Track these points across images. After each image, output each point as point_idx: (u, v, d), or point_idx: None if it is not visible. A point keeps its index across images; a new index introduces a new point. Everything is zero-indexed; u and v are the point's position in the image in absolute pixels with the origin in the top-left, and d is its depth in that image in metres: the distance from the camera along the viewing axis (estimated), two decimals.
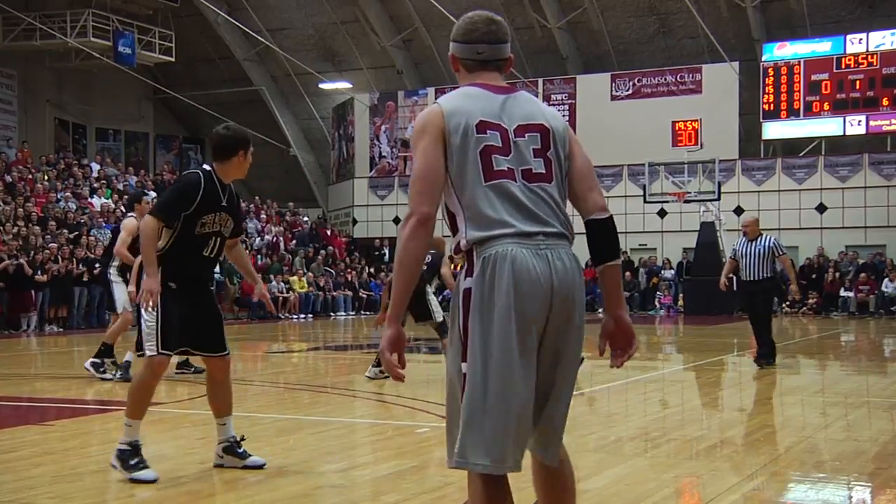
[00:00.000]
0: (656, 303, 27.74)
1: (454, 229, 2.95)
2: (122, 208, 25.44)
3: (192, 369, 10.00)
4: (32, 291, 18.98)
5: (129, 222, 9.48)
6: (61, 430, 6.84)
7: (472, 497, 2.85)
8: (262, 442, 6.26)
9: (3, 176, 24.78)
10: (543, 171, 2.95)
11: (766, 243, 11.01)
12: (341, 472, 5.40)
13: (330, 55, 33.45)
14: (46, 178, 25.90)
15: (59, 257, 19.75)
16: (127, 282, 9.45)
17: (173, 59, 29.92)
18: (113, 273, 9.78)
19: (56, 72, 31.04)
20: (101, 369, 9.53)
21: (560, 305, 2.86)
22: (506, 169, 2.91)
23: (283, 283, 25.08)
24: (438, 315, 9.80)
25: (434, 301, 9.95)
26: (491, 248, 2.85)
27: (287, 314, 24.44)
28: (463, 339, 2.85)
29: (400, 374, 2.95)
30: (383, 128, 33.05)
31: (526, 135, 2.97)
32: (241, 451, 5.31)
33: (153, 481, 4.90)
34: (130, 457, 4.98)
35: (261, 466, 5.26)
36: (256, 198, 31.97)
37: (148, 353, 5.11)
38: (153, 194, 13.99)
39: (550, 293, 2.84)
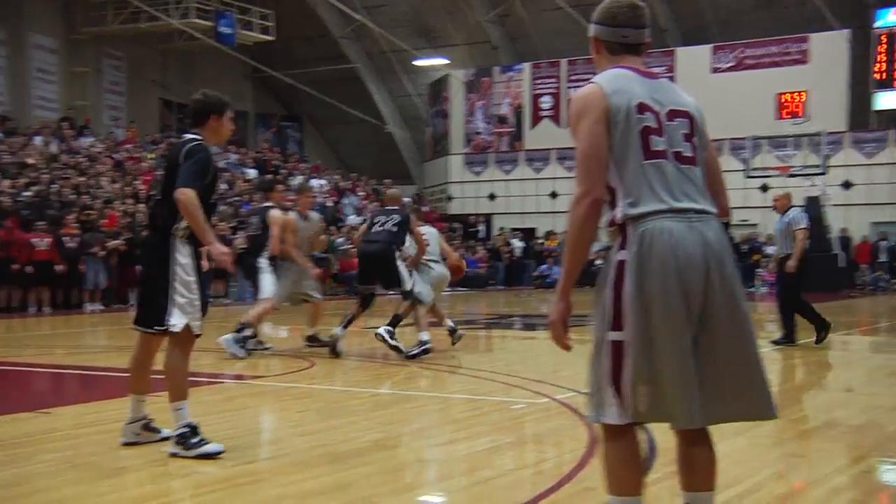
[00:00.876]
0: (757, 280, 27.11)
1: (612, 204, 3.06)
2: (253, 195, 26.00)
3: (323, 343, 10.15)
4: (138, 267, 19.55)
5: (275, 215, 9.94)
6: (162, 400, 7.03)
7: (607, 455, 3.13)
8: (359, 416, 6.34)
9: (113, 155, 25.58)
10: (691, 155, 3.11)
11: (788, 218, 10.69)
12: (438, 447, 5.43)
13: (425, 31, 33.47)
14: (152, 156, 26.63)
15: None
16: (276, 270, 9.96)
17: (272, 39, 30.37)
18: (263, 262, 10.02)
19: (161, 53, 31.84)
20: (245, 347, 9.67)
21: (713, 276, 2.99)
22: (662, 149, 3.05)
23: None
24: (408, 283, 9.78)
25: (403, 268, 9.90)
26: (648, 223, 2.99)
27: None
28: (615, 308, 3.00)
29: (568, 345, 3.15)
30: (479, 104, 32.96)
31: (676, 119, 3.11)
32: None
33: (220, 453, 4.94)
34: (191, 436, 5.00)
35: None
36: (352, 175, 32.31)
37: (182, 327, 5.04)
38: (300, 180, 14.11)
39: (705, 265, 2.98)
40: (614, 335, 3.01)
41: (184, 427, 5.00)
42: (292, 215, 10.22)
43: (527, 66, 32.13)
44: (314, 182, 29.75)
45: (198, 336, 5.15)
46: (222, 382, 8.04)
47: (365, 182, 32.15)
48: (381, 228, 9.84)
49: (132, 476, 4.65)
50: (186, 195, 4.89)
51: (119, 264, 19.07)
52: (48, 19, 28.55)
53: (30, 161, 21.99)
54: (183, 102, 33.73)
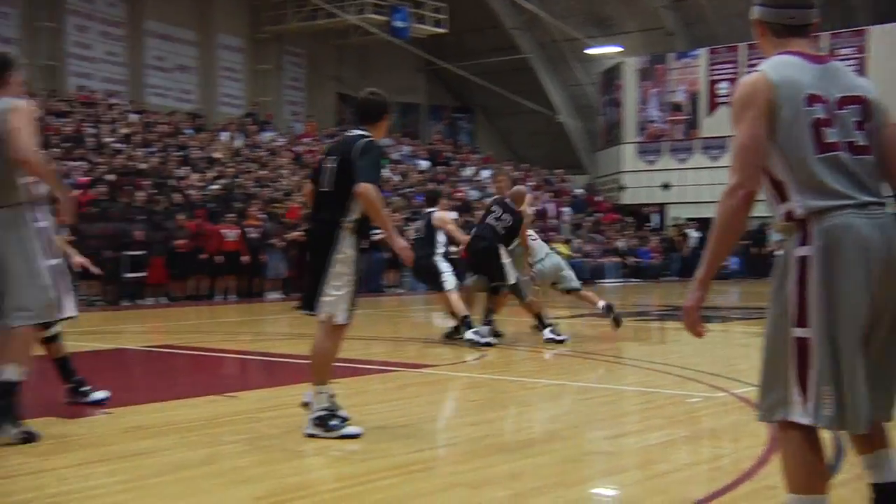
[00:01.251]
0: None
1: (781, 198, 2.99)
2: (422, 198, 26.50)
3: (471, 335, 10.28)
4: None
5: (439, 215, 10.45)
6: (345, 387, 7.24)
7: (788, 453, 3.03)
8: (530, 406, 6.34)
9: (292, 148, 26.55)
10: (865, 144, 2.99)
11: None
12: (610, 440, 5.35)
13: (598, 20, 33.03)
14: None
15: None
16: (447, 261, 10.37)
17: (445, 31, 30.72)
18: (439, 258, 10.32)
19: (337, 49, 32.79)
20: (468, 338, 9.83)
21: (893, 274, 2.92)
22: (835, 141, 2.94)
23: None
24: (512, 277, 9.93)
25: (508, 262, 10.04)
26: (831, 219, 2.90)
27: None
28: (800, 304, 2.92)
29: (702, 333, 3.17)
30: (652, 91, 32.28)
31: (847, 107, 2.99)
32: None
33: (360, 435, 5.08)
34: (329, 419, 5.15)
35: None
36: (524, 165, 32.31)
37: (340, 320, 5.20)
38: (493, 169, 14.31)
39: (889, 263, 2.91)
40: (799, 332, 2.93)
41: (323, 410, 5.17)
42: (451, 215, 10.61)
43: (703, 52, 31.18)
44: (485, 173, 29.96)
45: (345, 325, 5.26)
46: (394, 370, 8.21)
47: (536, 172, 32.09)
48: (488, 223, 10.22)
49: (311, 460, 4.81)
50: (369, 190, 5.05)
51: (298, 254, 19.79)
52: (235, 20, 29.91)
53: (216, 156, 23.11)
54: (358, 96, 34.60)
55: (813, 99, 2.94)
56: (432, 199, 11.10)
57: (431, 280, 10.39)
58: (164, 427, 5.54)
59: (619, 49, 32.85)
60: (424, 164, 29.24)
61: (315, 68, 32.48)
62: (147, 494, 4.10)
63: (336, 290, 5.19)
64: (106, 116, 22.99)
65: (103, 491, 4.13)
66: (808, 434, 2.99)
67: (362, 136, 5.31)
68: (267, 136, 27.00)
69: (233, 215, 18.68)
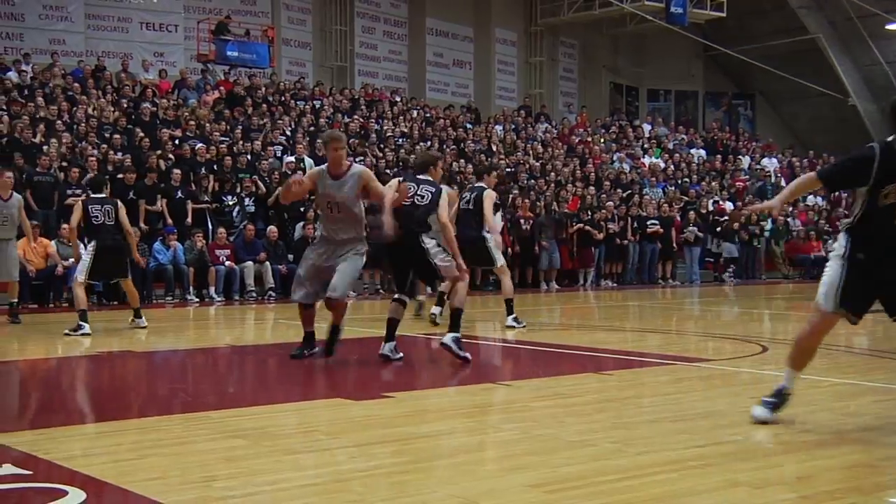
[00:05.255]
0: None
1: None
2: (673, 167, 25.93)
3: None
4: (591, 248, 20.18)
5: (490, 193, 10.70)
6: (619, 379, 7.16)
7: None
8: (818, 406, 5.97)
9: (566, 139, 26.62)
10: None
11: None
12: None
13: None
14: (602, 140, 27.29)
15: (616, 216, 20.73)
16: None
17: (724, 15, 29.60)
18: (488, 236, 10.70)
19: (612, 38, 32.50)
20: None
21: None
22: None
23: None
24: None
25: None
26: None
27: None
28: None
29: None
30: None
31: None
32: None
33: (763, 421, 5.13)
34: (770, 396, 5.26)
35: None
36: (811, 153, 30.57)
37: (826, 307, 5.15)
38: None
39: None
40: None
41: (774, 388, 5.29)
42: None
43: None
44: (767, 161, 28.59)
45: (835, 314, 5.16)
46: (669, 364, 8.01)
47: (825, 160, 30.22)
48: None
49: (585, 450, 4.78)
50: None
51: (578, 246, 19.85)
52: (510, 14, 30.42)
53: (493, 148, 23.59)
54: (632, 85, 34.18)
55: None
56: (479, 174, 11.34)
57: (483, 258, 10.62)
58: (443, 412, 5.72)
59: None
60: (701, 153, 28.36)
61: (588, 59, 32.37)
62: (426, 477, 4.24)
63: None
64: (389, 113, 24.10)
65: (386, 471, 4.31)
66: None
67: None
68: (540, 127, 27.23)
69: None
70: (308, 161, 18.54)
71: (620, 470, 4.30)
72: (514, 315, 10.84)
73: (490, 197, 10.68)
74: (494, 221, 10.78)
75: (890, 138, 5.05)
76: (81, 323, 10.03)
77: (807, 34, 32.07)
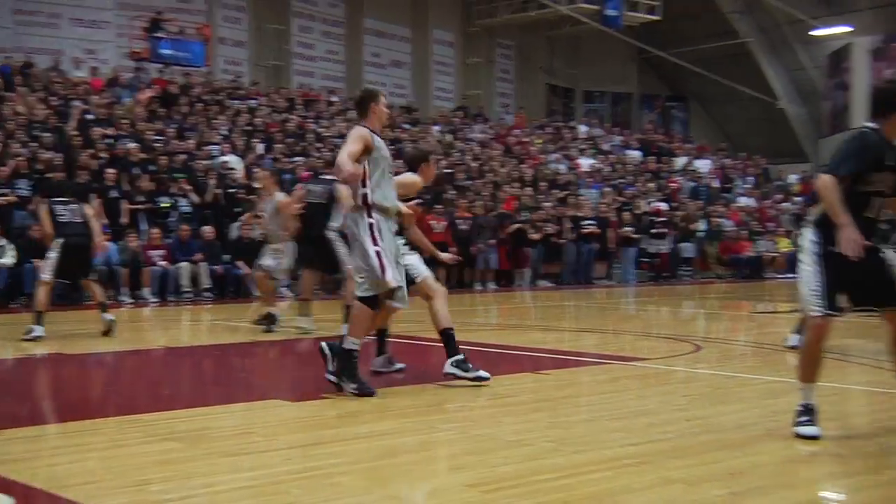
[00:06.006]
0: None
1: None
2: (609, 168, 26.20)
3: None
4: (528, 248, 20.29)
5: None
6: (555, 378, 7.22)
7: None
8: (748, 403, 6.09)
9: (503, 140, 26.75)
10: None
11: None
12: (837, 440, 5.05)
13: None
14: (539, 141, 27.50)
15: (552, 217, 20.88)
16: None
17: (658, 18, 30.03)
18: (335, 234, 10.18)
19: (548, 40, 32.76)
20: None
21: None
22: None
23: (770, 242, 24.32)
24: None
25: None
26: None
27: (774, 273, 23.59)
28: None
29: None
30: (887, 73, 30.25)
31: None
32: None
33: (815, 437, 4.88)
34: (801, 415, 5.00)
35: None
36: (742, 154, 31.16)
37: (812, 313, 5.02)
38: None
39: None
40: None
41: (801, 406, 5.04)
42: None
43: None
44: (699, 163, 29.06)
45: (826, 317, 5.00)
46: (606, 363, 8.11)
47: (755, 161, 30.83)
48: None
49: (523, 450, 4.81)
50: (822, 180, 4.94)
51: (515, 247, 19.95)
52: (447, 15, 30.49)
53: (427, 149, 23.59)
54: (568, 87, 34.49)
55: None
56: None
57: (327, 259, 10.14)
58: (381, 413, 5.71)
59: (849, 29, 30.94)
60: (636, 154, 28.72)
61: (525, 60, 32.58)
62: (364, 477, 4.23)
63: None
64: (326, 112, 23.98)
65: (323, 472, 4.29)
66: None
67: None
68: (477, 128, 27.33)
69: (440, 207, 19.02)
70: (235, 159, 18.56)
71: (557, 469, 4.34)
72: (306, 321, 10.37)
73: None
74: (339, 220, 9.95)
75: (873, 125, 5.04)
76: (33, 326, 9.77)
77: (738, 38, 32.68)
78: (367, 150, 6.22)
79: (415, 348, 9.18)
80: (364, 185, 6.18)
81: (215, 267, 16.29)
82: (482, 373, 6.65)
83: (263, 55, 26.85)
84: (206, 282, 16.16)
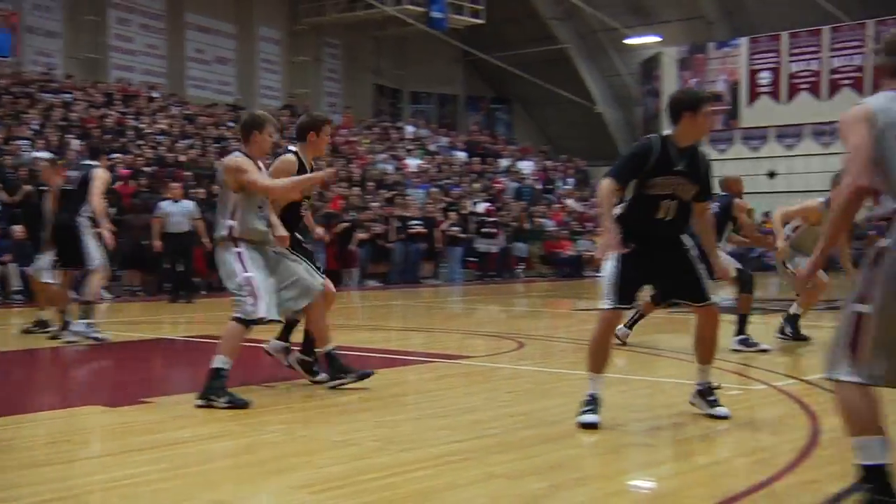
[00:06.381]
0: None
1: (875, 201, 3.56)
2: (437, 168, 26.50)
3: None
4: (355, 248, 20.28)
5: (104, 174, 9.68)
6: (382, 378, 7.26)
7: (842, 404, 3.56)
8: (569, 398, 6.31)
9: (331, 139, 26.62)
10: None
11: None
12: (649, 432, 5.32)
13: (637, 8, 32.74)
14: (367, 141, 27.54)
15: (380, 217, 20.95)
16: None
17: (482, 22, 30.62)
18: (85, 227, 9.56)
19: (375, 40, 32.83)
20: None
21: None
22: None
23: (589, 242, 25.22)
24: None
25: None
26: None
27: (594, 272, 24.46)
28: (865, 285, 3.49)
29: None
30: (692, 82, 31.95)
31: None
32: (711, 398, 5.50)
33: (593, 425, 5.16)
34: (586, 404, 5.28)
35: (726, 417, 5.41)
36: (563, 156, 32.19)
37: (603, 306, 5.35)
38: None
39: None
40: (861, 307, 3.49)
41: (585, 397, 5.32)
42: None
43: (744, 41, 30.83)
44: (522, 164, 29.84)
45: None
46: (432, 361, 8.22)
47: (576, 163, 31.93)
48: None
49: (349, 450, 4.82)
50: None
51: (342, 246, 19.87)
52: (273, 12, 30.07)
53: None
54: (396, 87, 34.70)
55: None
56: (95, 152, 10.01)
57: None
58: (205, 416, 5.59)
59: (659, 39, 32.56)
60: (462, 155, 29.21)
61: (353, 60, 32.54)
62: (187, 483, 4.14)
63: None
64: (147, 109, 23.21)
65: (144, 479, 4.17)
66: (863, 389, 3.51)
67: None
68: None
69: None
70: (48, 156, 17.65)
71: (383, 468, 4.37)
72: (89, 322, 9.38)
73: (100, 178, 9.48)
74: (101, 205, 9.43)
75: (667, 132, 5.38)
76: None
77: (557, 44, 33.77)
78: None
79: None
80: (233, 217, 6.00)
81: (25, 268, 15.47)
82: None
83: (78, 47, 25.70)
84: (15, 284, 15.34)
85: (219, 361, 5.89)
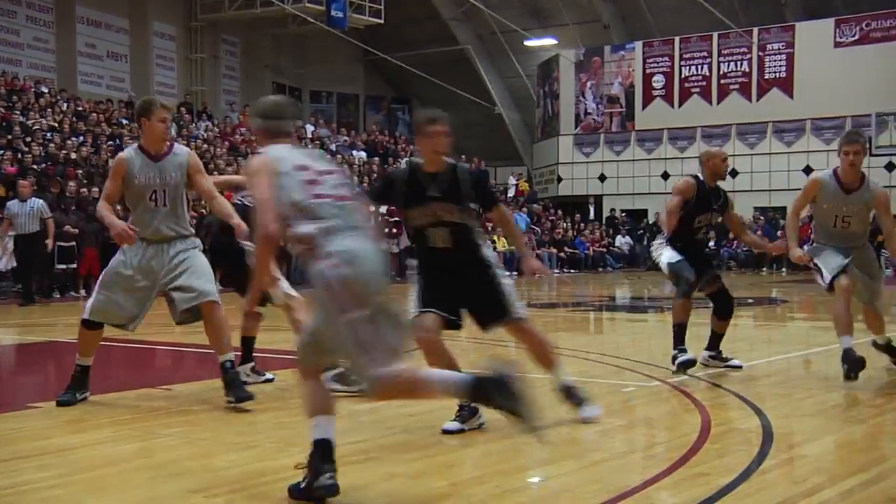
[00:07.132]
0: (882, 262, 26.09)
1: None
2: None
3: None
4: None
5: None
6: (280, 380, 7.19)
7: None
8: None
9: (229, 138, 26.22)
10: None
11: None
12: (550, 429, 5.38)
13: (536, 11, 33.19)
14: None
15: None
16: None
17: (382, 22, 30.58)
18: None
19: (274, 38, 32.46)
20: None
21: None
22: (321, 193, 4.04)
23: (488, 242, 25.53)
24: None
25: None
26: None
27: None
28: None
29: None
30: (589, 84, 32.56)
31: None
32: (575, 399, 5.43)
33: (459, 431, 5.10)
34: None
35: (594, 419, 5.35)
36: (462, 157, 32.37)
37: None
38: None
39: None
40: None
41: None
42: None
43: (638, 45, 31.55)
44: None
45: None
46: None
47: (476, 163, 32.15)
48: None
49: (246, 453, 4.76)
50: None
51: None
52: (169, 8, 29.43)
53: None
54: (296, 86, 34.37)
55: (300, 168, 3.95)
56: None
57: None
58: (97, 421, 5.45)
59: (556, 41, 33.07)
60: (362, 154, 29.12)
61: (251, 58, 32.11)
62: (78, 490, 4.03)
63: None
64: (35, 104, 22.47)
65: (32, 487, 4.04)
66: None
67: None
68: (202, 125, 26.64)
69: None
70: None
71: (281, 469, 4.33)
72: None
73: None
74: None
75: (416, 160, 5.32)
76: None
77: (457, 45, 33.98)
78: (121, 178, 5.90)
79: (136, 352, 8.84)
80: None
81: None
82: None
83: None
84: None
85: (80, 359, 5.94)
